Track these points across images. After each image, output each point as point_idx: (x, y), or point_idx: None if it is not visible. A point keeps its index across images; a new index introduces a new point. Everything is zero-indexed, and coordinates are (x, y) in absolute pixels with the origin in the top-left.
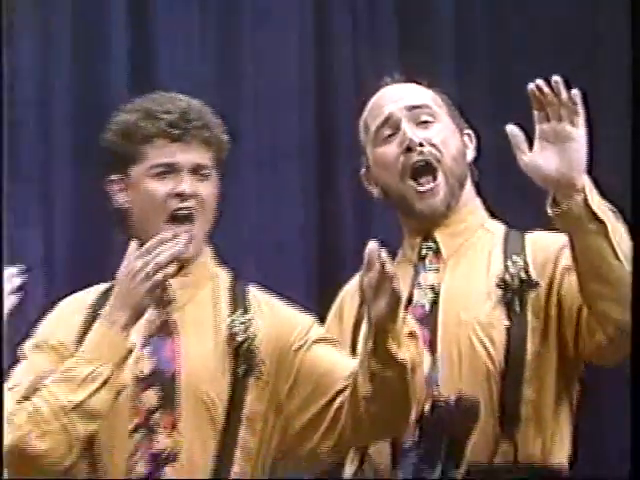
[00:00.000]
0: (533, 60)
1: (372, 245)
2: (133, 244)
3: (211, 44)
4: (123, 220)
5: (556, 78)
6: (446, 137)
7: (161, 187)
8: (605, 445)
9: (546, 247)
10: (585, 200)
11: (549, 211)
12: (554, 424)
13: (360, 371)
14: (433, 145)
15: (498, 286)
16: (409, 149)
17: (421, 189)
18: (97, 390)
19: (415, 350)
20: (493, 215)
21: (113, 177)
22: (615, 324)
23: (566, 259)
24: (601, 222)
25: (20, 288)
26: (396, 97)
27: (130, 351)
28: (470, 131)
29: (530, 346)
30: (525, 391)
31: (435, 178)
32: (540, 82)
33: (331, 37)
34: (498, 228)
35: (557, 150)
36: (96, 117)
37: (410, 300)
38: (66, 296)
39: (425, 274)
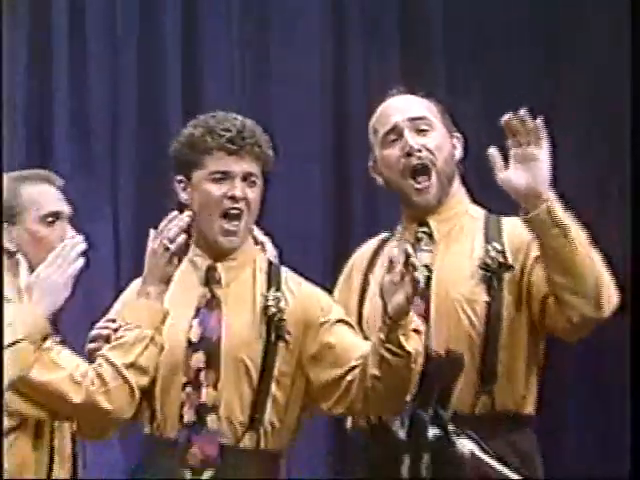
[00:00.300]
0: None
1: (395, 251)
2: (152, 232)
3: (247, 73)
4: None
5: (522, 111)
6: (440, 143)
7: (217, 190)
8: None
9: (520, 235)
10: (549, 208)
11: (520, 218)
12: (524, 381)
13: (372, 355)
14: (429, 150)
15: (480, 267)
16: (409, 154)
17: (418, 187)
18: (144, 350)
19: (419, 343)
20: (474, 201)
21: (178, 178)
22: (577, 312)
23: (536, 250)
24: (562, 226)
25: (84, 253)
26: (401, 109)
27: (166, 315)
28: (458, 134)
29: (505, 318)
30: (501, 354)
31: (430, 178)
32: (510, 115)
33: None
34: (480, 213)
35: (526, 169)
36: (155, 132)
37: None
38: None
39: (420, 254)
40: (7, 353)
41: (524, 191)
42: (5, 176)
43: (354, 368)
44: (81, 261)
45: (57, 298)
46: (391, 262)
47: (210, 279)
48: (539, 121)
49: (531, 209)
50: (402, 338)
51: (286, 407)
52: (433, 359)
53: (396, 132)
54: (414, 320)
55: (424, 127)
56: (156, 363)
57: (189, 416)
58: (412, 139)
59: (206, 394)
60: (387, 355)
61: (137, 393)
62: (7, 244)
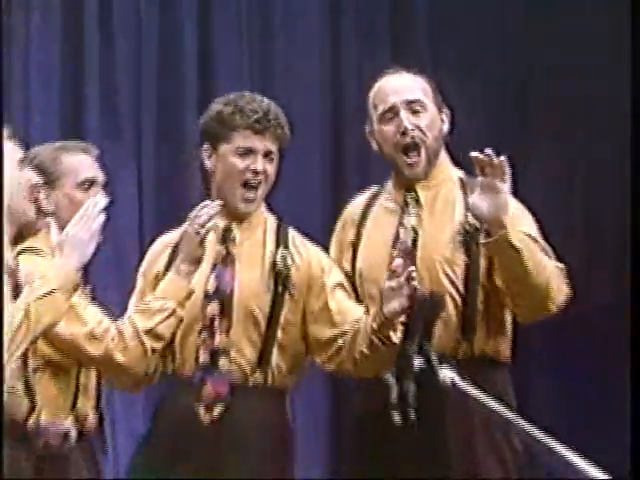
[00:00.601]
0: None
1: (398, 261)
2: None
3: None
4: (208, 180)
5: (489, 150)
6: (430, 122)
7: (241, 163)
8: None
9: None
10: (506, 235)
11: (482, 240)
12: (499, 329)
13: (362, 333)
14: (421, 130)
15: (460, 232)
16: (404, 133)
17: (409, 161)
18: (164, 320)
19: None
20: (456, 163)
21: (205, 146)
22: (526, 312)
23: (517, 228)
24: (517, 249)
25: (105, 209)
26: (399, 90)
27: (191, 293)
28: (446, 110)
29: (481, 278)
30: (478, 308)
31: (419, 154)
32: (477, 153)
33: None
34: (458, 175)
35: (490, 198)
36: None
37: (397, 237)
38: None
39: (408, 218)
40: (41, 302)
41: (487, 217)
42: (48, 145)
43: (345, 333)
44: (102, 217)
45: (85, 252)
46: (393, 271)
47: (226, 238)
48: (503, 158)
49: (492, 233)
50: (391, 333)
51: (291, 351)
52: (418, 300)
53: (393, 112)
54: None
55: (418, 108)
56: (171, 333)
57: (204, 358)
58: (407, 120)
59: (219, 339)
60: (376, 341)
61: (150, 354)
62: (46, 206)
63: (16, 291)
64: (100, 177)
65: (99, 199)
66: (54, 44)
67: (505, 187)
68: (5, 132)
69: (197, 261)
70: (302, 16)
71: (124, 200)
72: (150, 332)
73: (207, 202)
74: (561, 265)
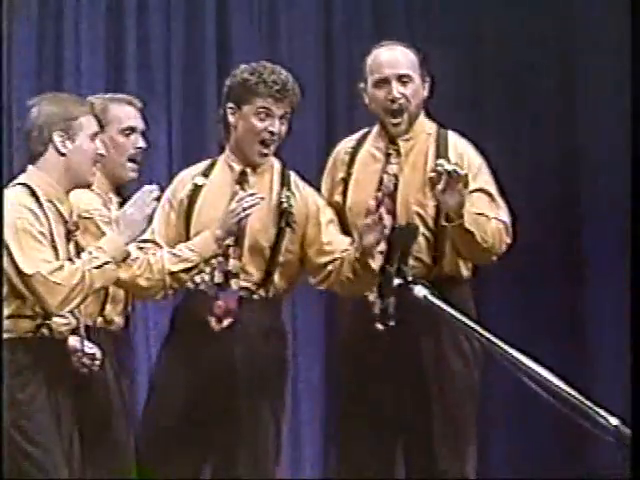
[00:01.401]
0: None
1: (372, 203)
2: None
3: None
4: (229, 132)
5: (450, 167)
6: (414, 92)
7: (260, 124)
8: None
9: (466, 158)
10: (462, 223)
11: (444, 223)
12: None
13: (346, 262)
14: (406, 98)
15: (430, 178)
16: (392, 100)
17: (394, 121)
18: (188, 269)
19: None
20: (428, 115)
21: (230, 105)
22: (474, 261)
23: (476, 182)
24: (470, 232)
25: (157, 199)
26: (392, 64)
27: (215, 255)
28: (428, 78)
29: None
30: (446, 241)
31: (402, 117)
32: (451, 167)
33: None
34: (433, 129)
35: (453, 195)
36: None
37: (381, 181)
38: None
39: (391, 166)
40: (95, 272)
41: (450, 209)
42: (100, 96)
43: (335, 260)
44: (155, 204)
45: (135, 231)
46: (369, 210)
47: (242, 180)
48: (463, 172)
49: (452, 220)
50: (370, 261)
51: (289, 272)
52: (396, 230)
53: (385, 81)
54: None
55: (406, 80)
56: (189, 280)
57: (218, 278)
58: (396, 90)
59: (232, 264)
60: (358, 268)
61: (168, 289)
62: (99, 148)
63: (68, 232)
64: (140, 126)
65: (154, 188)
66: (99, 20)
67: (464, 190)
68: (85, 108)
69: (231, 234)
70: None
71: (157, 149)
72: (173, 275)
73: (251, 192)
74: (505, 219)
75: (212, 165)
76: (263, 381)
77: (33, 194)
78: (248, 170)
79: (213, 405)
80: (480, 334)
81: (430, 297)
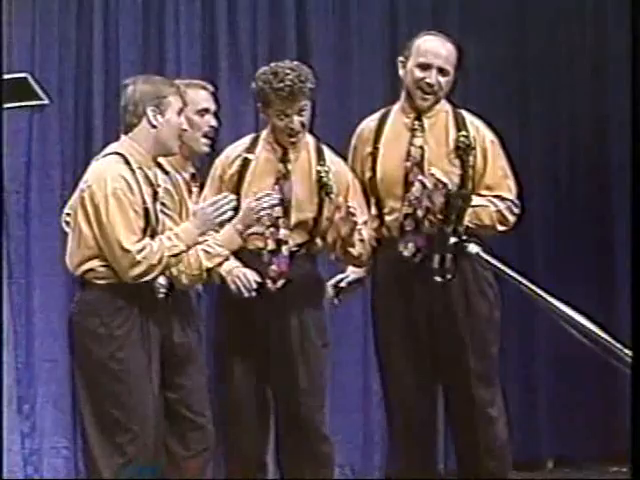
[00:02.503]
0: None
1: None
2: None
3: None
4: (265, 124)
5: (427, 181)
6: (447, 83)
7: (281, 123)
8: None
9: (482, 131)
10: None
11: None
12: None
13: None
14: (440, 86)
15: (456, 148)
16: (428, 84)
17: (424, 97)
18: (219, 263)
19: (363, 248)
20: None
21: (259, 104)
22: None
23: (487, 150)
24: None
25: (235, 209)
26: (437, 55)
27: (239, 246)
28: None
29: (470, 183)
30: (469, 198)
31: (431, 97)
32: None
33: None
34: (449, 107)
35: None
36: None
37: (409, 154)
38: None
39: (416, 139)
40: (171, 258)
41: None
42: (178, 81)
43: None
44: (230, 214)
45: (208, 228)
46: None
47: (284, 159)
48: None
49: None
50: (350, 249)
51: (324, 235)
52: (451, 194)
53: (427, 67)
54: (360, 232)
55: (444, 72)
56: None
57: (271, 245)
58: (434, 78)
59: (282, 233)
60: (340, 253)
61: (205, 278)
62: (183, 124)
63: (154, 193)
64: (212, 107)
65: (232, 199)
66: (195, 16)
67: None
68: (173, 88)
69: (250, 227)
70: None
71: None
72: (209, 271)
73: (267, 192)
74: (510, 197)
75: (254, 142)
76: (308, 318)
77: (126, 162)
78: (289, 149)
79: (274, 346)
80: (525, 285)
81: (482, 253)
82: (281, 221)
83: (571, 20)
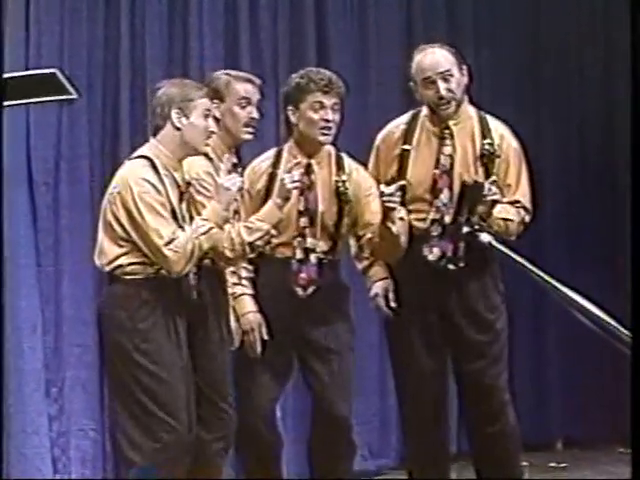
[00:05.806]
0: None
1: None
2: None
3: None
4: (291, 130)
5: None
6: (457, 83)
7: (316, 115)
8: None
9: (506, 139)
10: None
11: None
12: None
13: (376, 228)
14: (451, 91)
15: (481, 156)
16: (440, 98)
17: (444, 108)
18: (261, 237)
19: (402, 227)
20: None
21: (290, 108)
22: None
23: (510, 157)
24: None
25: (240, 188)
26: (434, 65)
27: (280, 220)
28: (465, 67)
29: (495, 188)
30: (482, 188)
31: (451, 105)
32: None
33: None
34: (474, 112)
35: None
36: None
37: (438, 160)
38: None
39: (445, 147)
40: (203, 237)
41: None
42: (223, 73)
43: (374, 229)
44: (242, 179)
45: (229, 199)
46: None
47: (309, 171)
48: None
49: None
50: (391, 225)
51: (345, 240)
52: (466, 186)
53: (430, 80)
54: (400, 211)
55: (448, 76)
56: (266, 243)
57: (298, 255)
58: (442, 88)
59: (310, 241)
60: (384, 233)
61: (247, 256)
62: (216, 113)
63: (180, 194)
64: (254, 98)
65: (240, 179)
66: (218, 16)
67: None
68: (202, 92)
69: (287, 199)
70: None
71: (267, 119)
72: (250, 244)
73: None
74: (529, 209)
75: (278, 156)
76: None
77: (153, 165)
78: (312, 161)
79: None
80: (536, 274)
81: (494, 242)
82: (308, 230)
83: (583, 18)
